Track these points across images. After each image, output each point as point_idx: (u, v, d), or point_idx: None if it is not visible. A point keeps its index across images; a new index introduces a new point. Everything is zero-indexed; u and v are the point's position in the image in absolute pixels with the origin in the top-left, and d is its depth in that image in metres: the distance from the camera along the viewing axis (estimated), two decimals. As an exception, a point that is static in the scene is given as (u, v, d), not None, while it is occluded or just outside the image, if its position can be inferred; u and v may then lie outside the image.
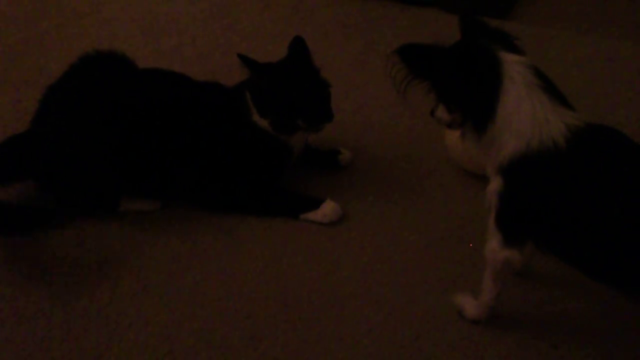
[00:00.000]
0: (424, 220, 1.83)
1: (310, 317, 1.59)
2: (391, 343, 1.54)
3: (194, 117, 1.81)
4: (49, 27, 2.63)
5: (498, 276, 1.47)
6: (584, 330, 1.55)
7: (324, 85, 1.84)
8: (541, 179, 1.32)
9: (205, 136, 1.80)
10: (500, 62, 1.32)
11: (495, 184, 1.38)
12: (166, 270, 1.71)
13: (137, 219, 1.84)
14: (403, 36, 2.53)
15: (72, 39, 2.55)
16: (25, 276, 1.69)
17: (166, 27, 2.64)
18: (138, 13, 2.72)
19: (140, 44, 2.52)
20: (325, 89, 1.84)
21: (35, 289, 1.66)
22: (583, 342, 1.52)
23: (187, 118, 1.80)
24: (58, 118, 1.79)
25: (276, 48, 2.49)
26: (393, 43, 2.48)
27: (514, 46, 1.38)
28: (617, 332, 1.54)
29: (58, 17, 2.70)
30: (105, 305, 1.62)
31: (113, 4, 2.78)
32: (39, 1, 2.79)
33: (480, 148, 1.39)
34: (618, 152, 1.32)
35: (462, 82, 1.35)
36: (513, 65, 1.32)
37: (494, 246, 1.43)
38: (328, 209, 1.82)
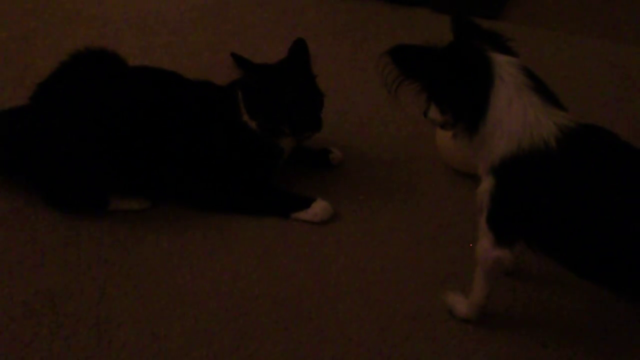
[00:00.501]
0: (414, 220, 1.83)
1: (300, 316, 1.59)
2: (382, 342, 1.54)
3: (184, 115, 1.80)
4: (38, 25, 2.61)
5: (489, 275, 1.48)
6: (573, 329, 1.56)
7: (315, 93, 1.82)
8: (533, 179, 1.33)
9: (195, 135, 1.80)
10: (490, 62, 1.32)
11: (486, 184, 1.38)
12: (156, 270, 1.70)
13: (126, 218, 1.83)
14: (393, 36, 2.54)
15: (62, 37, 2.54)
16: (14, 275, 1.68)
17: (157, 24, 2.63)
18: (128, 11, 2.71)
19: (130, 42, 2.51)
20: (316, 97, 1.82)
21: (23, 287, 1.65)
22: (572, 341, 1.53)
23: (177, 116, 1.79)
24: (48, 116, 1.78)
25: (267, 47, 2.49)
26: (383, 43, 2.49)
27: (507, 47, 1.39)
28: (606, 331, 1.55)
29: (47, 15, 2.68)
30: (95, 304, 1.61)
31: (103, 2, 2.77)
32: (28, -1, 2.78)
33: (472, 148, 1.39)
34: (609, 152, 1.33)
35: (453, 83, 1.35)
36: (503, 65, 1.33)
37: (485, 246, 1.43)
38: (319, 208, 1.81)
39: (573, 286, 1.62)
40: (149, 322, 1.58)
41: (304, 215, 1.82)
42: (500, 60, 1.33)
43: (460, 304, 1.55)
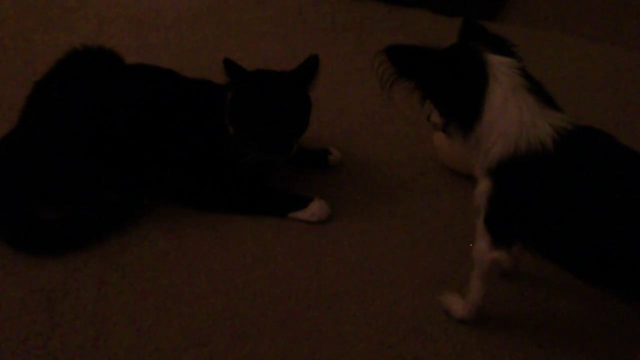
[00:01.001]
0: (412, 220, 1.83)
1: (297, 316, 1.59)
2: (378, 342, 1.54)
3: (180, 114, 1.79)
4: (36, 22, 2.61)
5: (486, 276, 1.48)
6: (569, 330, 1.56)
7: (297, 118, 1.75)
8: (530, 181, 1.33)
9: (191, 134, 1.79)
10: (485, 63, 1.32)
11: (483, 186, 1.38)
12: (152, 268, 1.70)
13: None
14: (392, 36, 2.54)
15: (60, 35, 2.53)
16: (10, 273, 1.68)
17: (154, 22, 2.62)
18: (126, 8, 2.70)
19: (128, 40, 2.51)
20: (295, 123, 1.74)
21: (20, 286, 1.64)
22: (569, 342, 1.53)
23: (172, 115, 1.78)
24: (45, 114, 1.78)
25: (265, 46, 2.49)
26: (382, 43, 2.48)
27: (511, 52, 1.38)
28: (603, 332, 1.55)
29: (45, 12, 2.67)
30: (91, 303, 1.61)
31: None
32: (25, -4, 2.77)
33: (468, 149, 1.39)
34: (606, 154, 1.33)
35: (447, 83, 1.35)
36: (498, 66, 1.32)
37: (482, 247, 1.43)
38: (316, 208, 1.81)
39: (569, 287, 1.62)
40: (145, 320, 1.58)
41: (301, 214, 1.82)
42: (496, 61, 1.33)
43: (457, 305, 1.55)
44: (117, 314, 1.59)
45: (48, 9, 2.69)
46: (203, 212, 1.84)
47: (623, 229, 1.27)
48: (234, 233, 1.79)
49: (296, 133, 1.77)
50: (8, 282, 1.65)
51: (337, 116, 2.16)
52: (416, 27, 2.62)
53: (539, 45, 2.51)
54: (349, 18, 2.66)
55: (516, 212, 1.36)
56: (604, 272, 1.33)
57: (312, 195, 1.84)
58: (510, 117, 1.31)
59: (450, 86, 1.35)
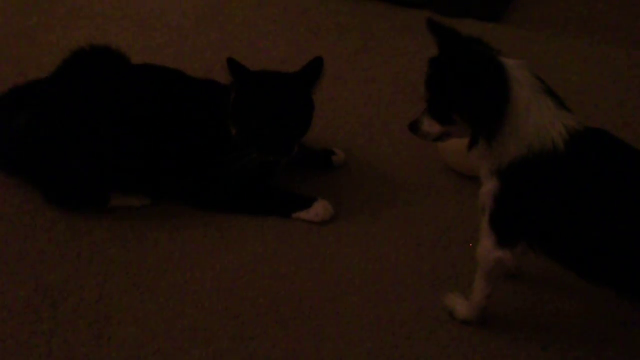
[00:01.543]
0: (415, 221, 1.83)
1: (300, 316, 1.59)
2: (382, 343, 1.54)
3: (185, 114, 1.79)
4: (40, 22, 2.61)
5: (490, 277, 1.47)
6: (573, 332, 1.56)
7: (298, 120, 1.74)
8: (540, 181, 1.33)
9: (195, 134, 1.79)
10: (504, 67, 1.31)
11: (490, 186, 1.38)
12: (156, 268, 1.70)
13: (127, 215, 1.83)
14: (396, 37, 2.54)
15: (64, 34, 2.53)
16: (14, 271, 1.68)
17: (159, 22, 2.62)
18: (131, 8, 2.70)
19: (133, 39, 2.51)
20: (297, 124, 1.74)
21: (24, 284, 1.65)
22: (572, 344, 1.53)
23: (178, 115, 1.79)
24: (50, 113, 1.78)
25: (268, 46, 2.49)
26: (385, 44, 2.50)
27: (497, 51, 1.37)
28: (606, 334, 1.55)
29: (49, 11, 2.67)
30: (95, 302, 1.61)
31: (105, -1, 2.77)
32: (30, -5, 2.77)
33: (481, 153, 1.36)
34: (615, 155, 1.33)
35: (470, 92, 1.30)
36: (516, 69, 1.31)
37: (487, 247, 1.43)
38: (320, 208, 1.81)
39: (573, 289, 1.62)
40: (148, 320, 1.58)
41: (305, 215, 1.81)
42: (512, 64, 1.32)
43: (461, 306, 1.55)
44: (120, 313, 1.59)
45: (52, 9, 2.69)
46: (207, 213, 1.84)
47: (632, 229, 1.26)
48: (238, 233, 1.79)
49: (297, 134, 1.77)
50: (12, 281, 1.66)
51: (341, 117, 2.16)
52: (421, 28, 2.61)
53: (542, 48, 2.51)
54: (353, 19, 2.66)
55: (524, 211, 1.36)
56: (612, 272, 1.33)
57: (316, 196, 1.84)
58: (532, 120, 1.30)
59: (473, 95, 1.30)
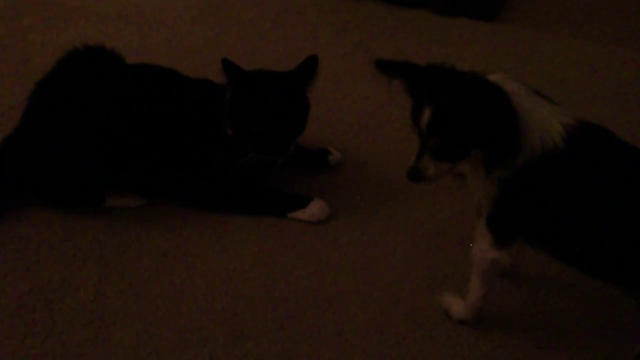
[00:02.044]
0: (411, 221, 1.83)
1: (296, 316, 1.59)
2: (378, 343, 1.54)
3: (180, 114, 1.79)
4: (36, 21, 2.60)
5: (485, 277, 1.47)
6: (568, 330, 1.56)
7: (294, 118, 1.75)
8: (542, 180, 1.32)
9: (190, 134, 1.78)
10: (500, 86, 1.28)
11: (488, 188, 1.36)
12: (151, 268, 1.69)
13: (122, 215, 1.82)
14: (393, 36, 2.54)
15: (60, 33, 2.53)
16: (9, 272, 1.67)
17: (154, 22, 2.62)
18: (126, 7, 2.70)
19: (128, 39, 2.51)
20: (292, 123, 1.74)
21: (18, 284, 1.64)
22: (568, 343, 1.53)
23: (172, 114, 1.78)
24: (46, 114, 1.77)
25: (265, 46, 2.49)
26: (383, 44, 2.50)
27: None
28: (602, 332, 1.55)
29: (44, 10, 2.67)
30: (90, 302, 1.61)
31: (100, -1, 2.76)
32: (25, -6, 2.77)
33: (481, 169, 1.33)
34: (611, 149, 1.33)
35: (487, 122, 1.25)
36: (507, 83, 1.30)
37: (483, 247, 1.43)
38: (316, 208, 1.81)
39: (569, 287, 1.62)
40: (143, 320, 1.57)
41: (301, 214, 1.81)
42: (502, 80, 1.30)
43: (457, 306, 1.55)
44: (116, 313, 1.58)
45: (48, 8, 2.68)
46: (202, 213, 1.84)
47: (633, 224, 1.27)
48: (234, 233, 1.79)
49: (293, 133, 1.77)
50: (7, 281, 1.65)
51: (337, 116, 2.16)
52: (417, 27, 2.62)
53: (538, 47, 2.51)
54: (350, 18, 2.66)
55: (526, 212, 1.35)
56: (614, 267, 1.33)
57: (312, 196, 1.84)
58: (536, 126, 1.29)
59: (494, 123, 1.25)
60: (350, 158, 2.02)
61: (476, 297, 1.50)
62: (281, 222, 1.82)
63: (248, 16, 2.67)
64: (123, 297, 1.62)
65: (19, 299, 1.61)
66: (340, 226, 1.81)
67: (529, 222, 1.38)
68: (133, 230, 1.79)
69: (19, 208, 1.82)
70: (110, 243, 1.75)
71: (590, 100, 2.24)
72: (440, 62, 1.34)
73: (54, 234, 1.77)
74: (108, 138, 1.73)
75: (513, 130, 1.27)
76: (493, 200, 1.36)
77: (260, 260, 1.72)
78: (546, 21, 2.69)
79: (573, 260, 1.40)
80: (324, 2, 2.74)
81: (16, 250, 1.72)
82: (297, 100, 1.76)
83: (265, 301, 1.62)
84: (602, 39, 2.57)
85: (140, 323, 1.56)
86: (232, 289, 1.65)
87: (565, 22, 2.68)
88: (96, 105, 1.74)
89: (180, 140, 1.78)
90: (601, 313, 1.59)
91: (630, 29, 2.64)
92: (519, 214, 1.37)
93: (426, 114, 1.28)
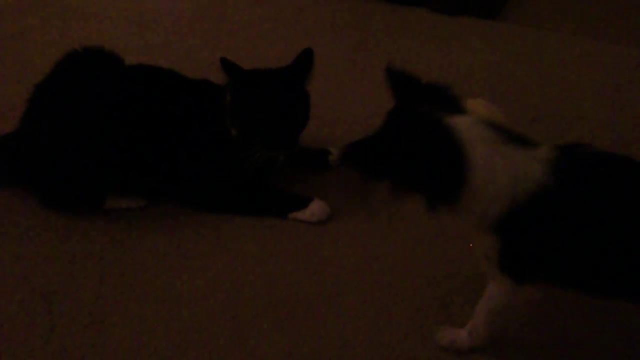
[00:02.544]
0: (411, 221, 1.82)
1: (297, 316, 1.59)
2: (379, 343, 1.53)
3: (179, 115, 1.79)
4: (35, 22, 2.60)
5: (498, 312, 1.42)
6: (571, 331, 1.55)
7: (298, 112, 1.75)
8: (543, 223, 1.26)
9: (189, 135, 1.78)
10: (450, 129, 1.23)
11: (488, 241, 1.30)
12: (152, 269, 1.69)
13: (122, 216, 1.82)
14: (393, 35, 2.53)
15: (59, 34, 2.53)
16: (9, 274, 1.67)
17: (154, 22, 2.62)
18: (125, 8, 2.70)
19: (127, 40, 2.50)
20: (298, 116, 1.75)
21: (18, 286, 1.64)
22: (570, 343, 1.53)
23: (171, 115, 1.78)
24: (45, 116, 1.77)
25: (265, 45, 2.49)
26: (382, 42, 2.50)
27: (453, 98, 1.30)
28: (604, 334, 1.55)
29: (44, 12, 2.67)
30: (90, 303, 1.61)
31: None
32: (24, -5, 2.77)
33: (458, 217, 1.29)
34: (600, 167, 1.28)
35: (419, 164, 1.24)
36: (466, 128, 1.23)
37: (506, 290, 1.37)
38: (316, 208, 1.81)
39: (571, 288, 1.62)
40: (144, 321, 1.57)
41: (301, 215, 1.81)
42: (460, 122, 1.24)
43: (460, 336, 1.49)
44: (116, 314, 1.58)
45: (47, 9, 2.68)
46: (202, 213, 1.83)
47: None
48: (234, 233, 1.79)
49: (299, 127, 1.78)
50: (7, 283, 1.65)
51: (337, 116, 2.15)
52: (417, 26, 2.61)
53: (539, 45, 2.51)
54: (350, 18, 2.66)
55: (536, 255, 1.29)
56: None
57: (312, 196, 1.83)
58: (500, 173, 1.22)
59: (425, 167, 1.24)
60: (351, 158, 2.02)
61: (481, 324, 1.45)
62: (281, 223, 1.82)
63: (247, 16, 2.67)
64: (123, 298, 1.62)
65: (19, 301, 1.61)
66: (340, 226, 1.81)
67: (541, 264, 1.32)
68: (133, 231, 1.79)
69: (19, 210, 1.82)
70: (110, 244, 1.75)
71: (591, 98, 2.24)
72: (441, 84, 1.32)
73: (54, 236, 1.77)
74: (107, 139, 1.73)
75: (445, 174, 1.23)
76: (498, 251, 1.30)
77: (261, 261, 1.72)
78: (547, 19, 2.69)
79: (598, 291, 1.35)
80: (324, 2, 2.73)
81: (16, 253, 1.72)
82: (298, 94, 1.77)
83: (265, 302, 1.62)
84: (604, 36, 2.56)
85: (140, 324, 1.56)
86: (233, 289, 1.65)
87: (567, 20, 2.67)
88: (95, 106, 1.74)
89: (180, 141, 1.78)
90: (605, 313, 1.58)
91: (631, 26, 2.64)
92: (530, 258, 1.31)
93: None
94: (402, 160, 1.26)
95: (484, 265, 1.37)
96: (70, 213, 1.82)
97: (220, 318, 1.58)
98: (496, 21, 2.65)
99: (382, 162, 1.28)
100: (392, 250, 1.75)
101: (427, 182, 1.27)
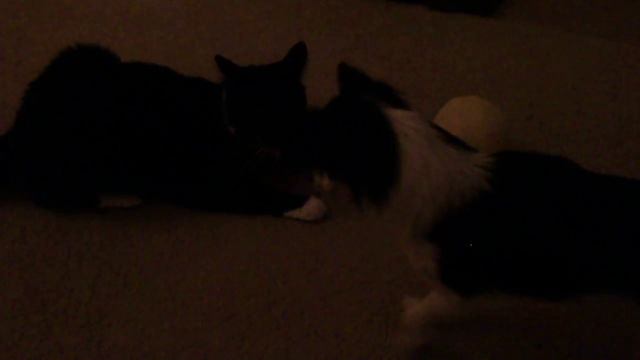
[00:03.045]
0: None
1: (293, 316, 1.58)
2: (376, 342, 1.53)
3: (174, 113, 1.78)
4: (30, 21, 2.59)
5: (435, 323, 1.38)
6: (568, 330, 1.55)
7: (295, 106, 1.75)
8: (483, 229, 1.20)
9: (184, 134, 1.78)
10: (388, 120, 1.16)
11: (427, 250, 1.23)
12: (147, 268, 1.69)
13: (117, 215, 1.82)
14: (389, 33, 2.52)
15: (54, 33, 2.52)
16: (3, 274, 1.67)
17: (149, 20, 2.61)
18: (121, 6, 2.69)
19: (123, 38, 2.49)
20: (295, 110, 1.75)
21: (13, 286, 1.63)
22: (567, 342, 1.52)
23: (167, 114, 1.77)
24: (40, 115, 1.76)
25: (261, 43, 2.48)
26: (380, 40, 2.49)
27: (400, 101, 1.24)
28: (601, 332, 1.54)
29: (40, 10, 2.66)
30: (85, 303, 1.60)
31: (95, -3, 2.75)
32: (19, -7, 2.75)
33: (388, 220, 1.22)
34: (540, 172, 1.24)
35: (349, 150, 1.17)
36: (404, 121, 1.16)
37: (453, 303, 1.31)
38: (312, 207, 1.80)
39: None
40: (139, 321, 1.56)
41: (297, 213, 1.80)
42: (399, 116, 1.17)
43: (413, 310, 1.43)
44: (111, 314, 1.58)
45: (42, 7, 2.67)
46: (198, 212, 1.83)
47: (595, 239, 1.19)
48: (230, 232, 1.78)
49: (298, 120, 1.77)
50: (1, 282, 1.64)
51: (333, 114, 2.14)
52: (413, 23, 2.60)
53: (536, 42, 2.50)
54: (347, 15, 2.65)
55: (478, 263, 1.23)
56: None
57: (308, 194, 1.82)
58: (435, 173, 1.16)
59: (354, 154, 1.17)
60: (347, 156, 2.01)
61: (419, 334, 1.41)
62: (278, 222, 1.81)
63: (243, 14, 2.66)
64: (118, 298, 1.61)
65: (13, 301, 1.60)
66: (336, 225, 1.80)
67: (484, 272, 1.26)
68: (128, 230, 1.78)
69: (13, 209, 1.82)
70: (105, 243, 1.74)
71: (588, 95, 2.23)
72: (393, 86, 1.27)
73: (49, 235, 1.76)
74: (102, 138, 1.72)
75: (367, 166, 1.17)
76: (438, 262, 1.24)
77: (257, 260, 1.71)
78: (545, 16, 2.68)
79: (547, 295, 1.31)
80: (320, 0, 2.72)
81: (10, 252, 1.72)
82: (294, 88, 1.77)
83: (261, 301, 1.61)
84: (601, 33, 2.55)
85: (136, 324, 1.56)
86: (229, 289, 1.64)
87: (564, 17, 2.67)
88: (90, 105, 1.73)
89: (175, 139, 1.77)
90: (601, 312, 1.58)
91: (630, 23, 2.63)
92: (471, 267, 1.25)
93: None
94: (331, 143, 1.19)
95: (424, 278, 1.30)
96: (65, 212, 1.81)
97: (216, 318, 1.57)
98: (493, 18, 2.64)
99: (315, 144, 1.21)
100: (387, 249, 1.74)
101: (353, 170, 1.18)
